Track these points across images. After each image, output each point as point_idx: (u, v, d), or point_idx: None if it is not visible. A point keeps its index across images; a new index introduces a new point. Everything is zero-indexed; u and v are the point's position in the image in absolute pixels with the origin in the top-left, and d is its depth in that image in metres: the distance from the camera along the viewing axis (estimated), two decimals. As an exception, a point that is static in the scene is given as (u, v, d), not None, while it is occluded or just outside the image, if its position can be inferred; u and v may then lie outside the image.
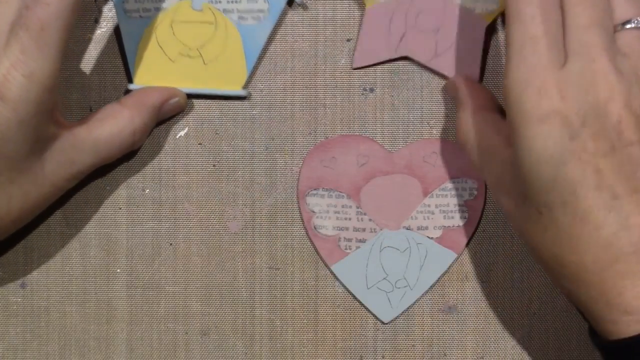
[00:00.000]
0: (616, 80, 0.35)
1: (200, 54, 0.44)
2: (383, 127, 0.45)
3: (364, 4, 0.44)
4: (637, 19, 0.37)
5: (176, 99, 0.44)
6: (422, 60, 0.44)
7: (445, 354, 0.44)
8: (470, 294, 0.44)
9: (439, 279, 0.44)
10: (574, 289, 0.36)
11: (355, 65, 0.44)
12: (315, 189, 0.45)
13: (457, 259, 0.44)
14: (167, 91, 0.43)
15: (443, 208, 0.44)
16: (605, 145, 0.34)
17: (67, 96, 0.45)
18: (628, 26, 0.37)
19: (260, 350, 0.45)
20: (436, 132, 0.44)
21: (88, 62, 0.45)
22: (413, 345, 0.44)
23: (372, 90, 0.44)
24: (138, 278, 0.45)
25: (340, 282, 0.44)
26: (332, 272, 0.44)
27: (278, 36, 0.45)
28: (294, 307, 0.45)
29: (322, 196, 0.44)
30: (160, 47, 0.44)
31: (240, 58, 0.44)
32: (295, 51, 0.45)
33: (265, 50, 0.44)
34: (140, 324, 0.45)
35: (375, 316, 0.44)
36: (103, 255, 0.45)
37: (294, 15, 0.45)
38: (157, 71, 0.44)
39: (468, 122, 0.41)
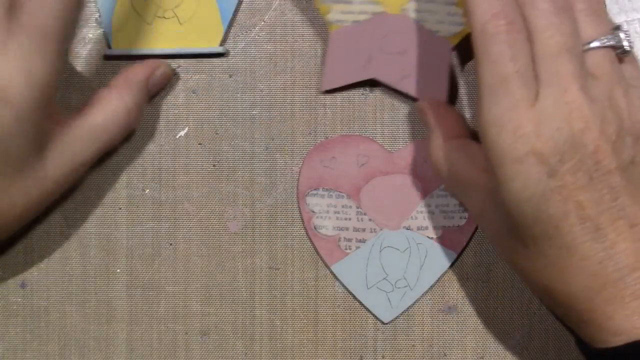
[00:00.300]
0: (589, 109, 0.35)
1: (176, 14, 0.44)
2: (383, 127, 0.45)
3: (328, 29, 0.44)
4: (603, 38, 0.36)
5: (161, 70, 0.44)
6: (390, 82, 0.44)
7: (445, 354, 0.44)
8: (470, 294, 0.44)
9: (439, 279, 0.44)
10: (565, 314, 0.37)
11: (323, 89, 0.44)
12: (315, 189, 0.45)
13: (457, 258, 0.44)
14: (151, 64, 0.43)
15: (443, 208, 0.44)
16: (584, 178, 0.34)
17: (67, 96, 0.45)
18: (595, 45, 0.36)
19: (260, 350, 0.45)
20: (436, 132, 0.45)
21: (88, 62, 0.45)
22: (413, 345, 0.44)
23: (372, 90, 0.44)
24: (138, 278, 0.45)
25: (340, 282, 0.44)
26: (332, 272, 0.44)
27: (278, 36, 0.45)
28: (294, 307, 0.45)
29: (322, 196, 0.44)
30: (136, 11, 0.44)
31: (215, 15, 0.44)
32: (295, 51, 0.45)
33: (240, 5, 0.45)
34: (140, 324, 0.45)
35: (375, 316, 0.44)
36: (103, 255, 0.45)
37: (294, 16, 0.45)
38: (134, 34, 0.44)
39: (440, 151, 0.41)
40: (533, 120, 0.35)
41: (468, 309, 0.44)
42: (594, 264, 0.35)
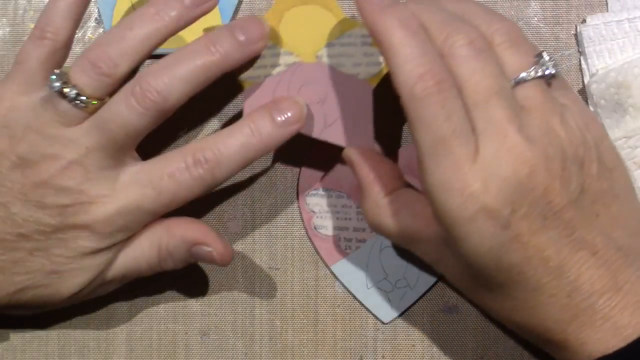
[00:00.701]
0: (531, 151, 0.34)
1: None
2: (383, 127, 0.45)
3: (242, 86, 0.41)
4: (530, 70, 0.36)
5: (209, 249, 0.41)
6: (313, 133, 0.41)
7: (445, 354, 0.44)
8: (470, 294, 0.44)
9: (439, 279, 0.44)
10: (540, 344, 0.38)
11: None
12: (315, 189, 0.44)
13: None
14: (205, 235, 0.41)
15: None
16: (539, 221, 0.34)
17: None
18: (522, 77, 0.35)
19: (260, 350, 0.45)
20: (436, 132, 0.44)
21: (88, 61, 0.45)
22: (413, 345, 0.44)
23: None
24: (138, 278, 0.45)
25: (340, 282, 0.44)
26: (332, 272, 0.44)
27: (278, 36, 0.45)
28: (294, 307, 0.45)
29: (322, 196, 0.44)
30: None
31: (215, 15, 0.44)
32: (295, 51, 0.45)
33: (239, 5, 0.44)
34: (140, 324, 0.45)
35: (375, 316, 0.44)
36: (103, 255, 0.45)
37: (294, 15, 0.45)
38: None
39: (380, 209, 0.39)
40: (478, 176, 0.34)
41: (468, 309, 0.44)
42: (562, 298, 0.35)
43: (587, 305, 0.35)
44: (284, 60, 0.41)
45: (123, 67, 0.38)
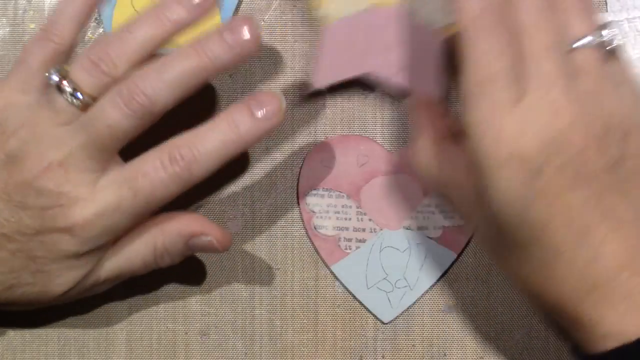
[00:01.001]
0: (573, 107, 0.34)
1: None
2: (383, 127, 0.45)
3: (320, 23, 0.43)
4: (590, 36, 0.36)
5: (208, 238, 0.41)
6: (385, 76, 0.43)
7: (445, 354, 0.44)
8: (470, 294, 0.44)
9: (439, 279, 0.44)
10: (556, 318, 0.37)
11: (316, 86, 0.44)
12: (315, 189, 0.45)
13: (457, 258, 0.44)
14: (202, 225, 0.41)
15: (443, 208, 0.44)
16: (570, 178, 0.34)
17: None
18: (582, 43, 0.36)
19: (260, 350, 0.45)
20: (436, 132, 0.45)
21: (88, 61, 0.45)
22: (413, 345, 0.44)
23: (372, 90, 0.44)
24: (138, 278, 0.44)
25: (340, 282, 0.44)
26: (332, 272, 0.44)
27: (278, 36, 0.45)
28: (294, 307, 0.45)
29: (322, 196, 0.44)
30: (136, 11, 0.44)
31: (215, 15, 0.44)
32: (295, 51, 0.45)
33: (239, 5, 0.44)
34: (140, 324, 0.45)
35: (375, 316, 0.44)
36: (103, 255, 0.45)
37: (294, 16, 0.45)
38: None
39: (426, 152, 0.40)
40: (517, 121, 0.34)
41: (468, 309, 0.44)
42: (581, 267, 0.34)
43: (606, 278, 0.34)
44: (364, 2, 0.43)
45: (122, 69, 0.38)
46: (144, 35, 0.39)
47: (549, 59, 0.35)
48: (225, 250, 0.41)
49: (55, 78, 0.38)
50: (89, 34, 0.45)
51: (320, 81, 0.44)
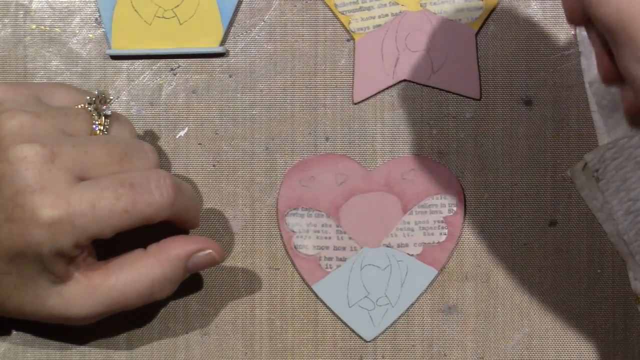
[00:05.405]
0: None
1: (176, 14, 0.44)
2: (383, 127, 0.45)
3: (353, 39, 0.44)
4: None
5: (207, 252, 0.41)
6: (421, 80, 0.44)
7: (445, 354, 0.44)
8: (470, 294, 0.44)
9: (420, 295, 0.44)
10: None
11: (356, 100, 0.44)
12: (294, 209, 0.44)
13: (437, 275, 0.44)
14: (198, 242, 0.41)
15: (423, 225, 0.44)
16: None
17: (68, 96, 0.45)
18: None
19: (260, 350, 0.45)
20: (436, 131, 0.44)
21: (88, 62, 0.45)
22: (413, 345, 0.44)
23: (372, 90, 0.45)
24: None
25: (322, 302, 0.44)
26: (313, 292, 0.44)
27: (278, 36, 0.45)
28: (294, 307, 0.45)
29: (302, 216, 0.44)
30: (136, 11, 0.44)
31: (215, 15, 0.44)
32: (295, 51, 0.45)
33: (239, 5, 0.45)
34: (140, 324, 0.45)
35: (358, 335, 0.44)
36: (103, 255, 0.45)
37: (294, 16, 0.45)
38: (134, 35, 0.44)
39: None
40: None
41: (468, 309, 0.44)
42: None
43: None
44: (391, 10, 0.44)
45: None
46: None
47: None
48: (223, 260, 0.42)
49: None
50: (89, 34, 0.45)
51: (360, 95, 0.44)
